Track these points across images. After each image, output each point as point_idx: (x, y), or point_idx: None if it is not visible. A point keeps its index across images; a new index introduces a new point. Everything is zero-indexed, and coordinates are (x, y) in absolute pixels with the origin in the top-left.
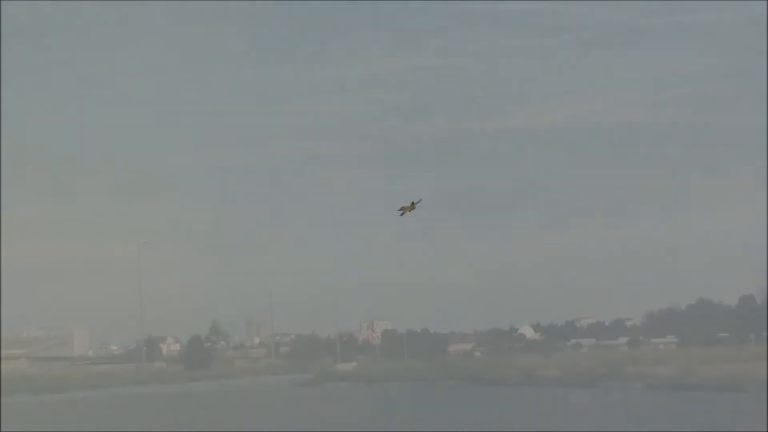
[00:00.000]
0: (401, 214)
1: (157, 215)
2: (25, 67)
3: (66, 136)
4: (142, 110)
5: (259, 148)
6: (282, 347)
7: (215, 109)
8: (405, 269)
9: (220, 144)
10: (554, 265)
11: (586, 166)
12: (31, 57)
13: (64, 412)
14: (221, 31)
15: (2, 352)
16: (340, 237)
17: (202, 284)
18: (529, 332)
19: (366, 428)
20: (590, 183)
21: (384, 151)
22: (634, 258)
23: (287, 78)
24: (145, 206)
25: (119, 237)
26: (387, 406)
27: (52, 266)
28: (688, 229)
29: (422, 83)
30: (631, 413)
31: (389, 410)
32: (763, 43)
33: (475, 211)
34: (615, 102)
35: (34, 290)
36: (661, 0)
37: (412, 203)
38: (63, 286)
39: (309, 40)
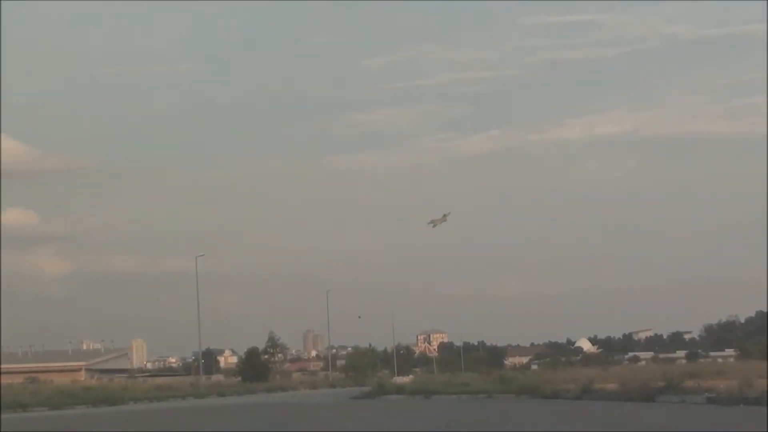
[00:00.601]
0: (433, 227)
1: (215, 227)
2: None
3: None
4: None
5: (315, 159)
6: (339, 360)
7: (271, 116)
8: (461, 283)
9: (275, 153)
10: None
11: (644, 178)
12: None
13: (124, 422)
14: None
15: (62, 365)
16: (393, 250)
17: (259, 296)
18: (586, 345)
19: None
20: (650, 195)
21: (438, 163)
22: (692, 271)
23: (347, 89)
24: (202, 218)
25: (177, 249)
26: (447, 419)
27: (111, 279)
28: (745, 241)
29: (480, 95)
30: (691, 427)
31: (449, 423)
32: None
33: (531, 224)
34: (677, 112)
35: (93, 303)
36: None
37: (444, 215)
38: (122, 299)
39: (370, 51)
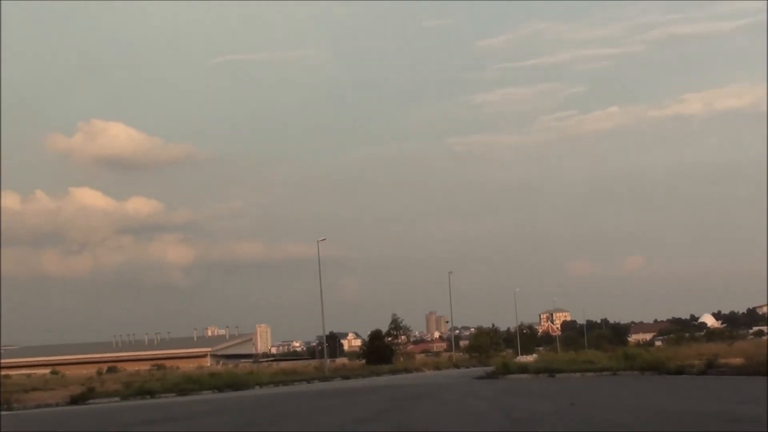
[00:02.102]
0: None
1: (336, 212)
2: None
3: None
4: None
5: (434, 141)
6: (462, 340)
7: (389, 100)
8: (583, 261)
9: (393, 137)
10: (734, 252)
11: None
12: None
13: (249, 407)
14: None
15: (187, 351)
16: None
17: (381, 279)
18: (710, 320)
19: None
20: None
21: (558, 142)
22: None
23: (466, 70)
24: (323, 204)
25: (298, 235)
26: (573, 397)
27: (235, 266)
28: None
29: (599, 72)
30: None
31: (577, 400)
32: None
33: (652, 201)
34: None
35: (217, 290)
36: None
37: None
38: (245, 286)
39: (489, 31)
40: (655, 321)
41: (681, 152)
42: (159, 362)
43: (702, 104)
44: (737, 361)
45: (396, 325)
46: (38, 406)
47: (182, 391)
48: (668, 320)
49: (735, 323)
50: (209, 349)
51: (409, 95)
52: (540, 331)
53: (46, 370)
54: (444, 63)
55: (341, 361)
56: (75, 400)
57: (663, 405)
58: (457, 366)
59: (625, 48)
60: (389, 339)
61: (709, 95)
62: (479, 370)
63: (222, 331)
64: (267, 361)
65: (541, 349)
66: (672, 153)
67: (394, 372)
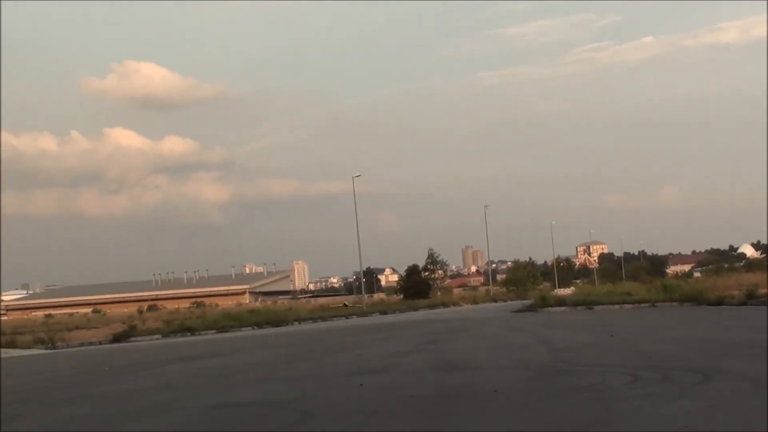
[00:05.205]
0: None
1: (370, 148)
2: None
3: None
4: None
5: (466, 76)
6: (499, 274)
7: (420, 35)
8: (620, 193)
9: (425, 72)
10: None
11: None
12: None
13: (289, 342)
14: None
15: (226, 288)
16: (549, 163)
17: (417, 214)
18: (749, 251)
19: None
20: None
21: (592, 74)
22: None
23: (497, 3)
24: (357, 140)
25: (333, 172)
26: (614, 329)
27: (271, 203)
28: None
29: (632, 1)
30: None
31: (616, 331)
32: None
33: (688, 131)
34: None
35: (254, 228)
36: None
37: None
38: (282, 223)
39: None
40: (694, 252)
41: (717, 82)
42: (198, 300)
43: (738, 32)
44: None
45: (433, 260)
46: (81, 345)
47: (222, 328)
48: (707, 251)
49: None
50: (247, 287)
51: (441, 30)
52: (577, 263)
53: (88, 309)
54: None
55: (378, 296)
56: (117, 338)
57: (704, 335)
58: (494, 300)
59: None
60: (426, 274)
61: (746, 23)
62: (517, 304)
63: (260, 269)
64: (305, 297)
65: (578, 281)
66: (708, 82)
67: (431, 306)
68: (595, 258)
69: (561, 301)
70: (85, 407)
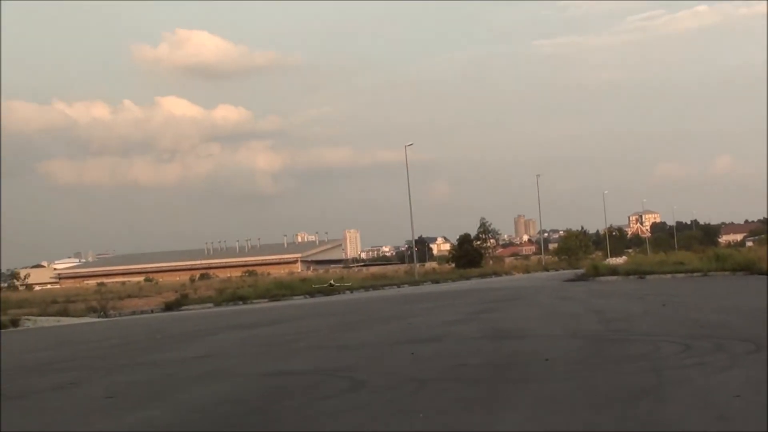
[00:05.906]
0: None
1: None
2: None
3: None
4: (400, 10)
5: (520, 44)
6: (551, 243)
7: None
8: (673, 162)
9: (479, 41)
10: None
11: None
12: None
13: (342, 311)
14: None
15: (278, 257)
16: (602, 132)
17: (470, 183)
18: None
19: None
20: None
21: (646, 43)
22: None
23: None
24: (410, 109)
25: (386, 140)
26: (666, 298)
27: (323, 172)
28: None
29: None
30: None
31: (669, 301)
32: None
33: (742, 100)
34: None
35: (306, 196)
36: None
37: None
38: (334, 192)
39: None
40: (746, 221)
41: None
42: (250, 268)
43: None
44: None
45: (484, 229)
46: (134, 313)
47: (274, 297)
48: (759, 220)
49: None
50: (299, 255)
51: None
52: (629, 233)
53: (140, 278)
54: None
55: (430, 265)
56: (169, 307)
57: (756, 305)
58: (546, 269)
59: None
60: (478, 243)
61: None
62: (569, 273)
63: (312, 237)
64: (357, 266)
65: (630, 251)
66: (762, 50)
67: (483, 275)
68: (648, 227)
69: (613, 271)
70: (139, 374)
